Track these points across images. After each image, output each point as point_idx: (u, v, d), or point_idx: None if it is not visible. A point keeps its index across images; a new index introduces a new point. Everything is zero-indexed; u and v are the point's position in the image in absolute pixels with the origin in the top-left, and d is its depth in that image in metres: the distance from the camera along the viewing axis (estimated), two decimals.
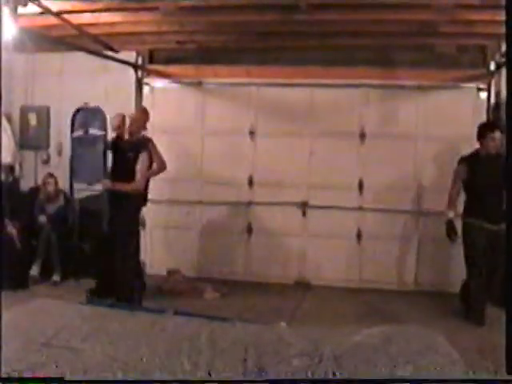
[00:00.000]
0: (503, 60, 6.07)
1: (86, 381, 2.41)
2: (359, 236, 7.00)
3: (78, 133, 7.61)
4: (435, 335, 3.09)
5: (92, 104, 7.42)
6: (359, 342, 2.94)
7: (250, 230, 7.35)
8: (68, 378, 2.39)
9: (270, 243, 7.27)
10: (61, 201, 7.22)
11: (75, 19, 6.04)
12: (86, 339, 2.92)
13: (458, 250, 6.78)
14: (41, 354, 2.70)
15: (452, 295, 6.52)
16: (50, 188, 7.14)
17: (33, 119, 7.73)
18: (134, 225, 5.93)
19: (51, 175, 7.23)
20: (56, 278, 6.93)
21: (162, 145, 7.36)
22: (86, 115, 7.58)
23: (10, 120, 7.50)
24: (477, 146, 5.82)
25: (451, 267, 6.80)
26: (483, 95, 6.79)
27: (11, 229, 6.60)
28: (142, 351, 2.79)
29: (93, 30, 6.38)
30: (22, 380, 2.38)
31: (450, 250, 6.80)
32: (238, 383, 2.50)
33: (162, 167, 6.33)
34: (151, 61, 7.52)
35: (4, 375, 2.43)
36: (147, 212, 7.44)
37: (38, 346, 2.78)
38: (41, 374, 2.46)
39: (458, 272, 6.81)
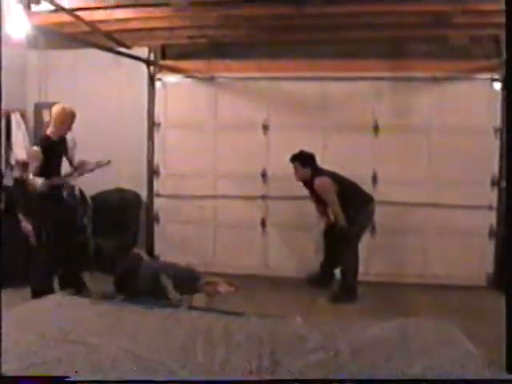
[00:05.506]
0: None
1: (88, 381, 2.42)
2: (373, 229, 6.95)
3: None
4: (451, 328, 3.08)
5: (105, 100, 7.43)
6: (375, 336, 2.93)
7: (263, 224, 7.35)
8: (74, 376, 2.40)
9: (284, 237, 7.26)
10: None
11: (88, 16, 6.06)
12: (102, 334, 2.94)
13: (471, 244, 6.79)
14: (57, 349, 2.72)
15: (461, 288, 6.51)
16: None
17: (47, 116, 7.76)
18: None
19: None
20: None
21: (174, 140, 7.41)
22: None
23: (24, 117, 7.54)
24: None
25: (463, 260, 6.75)
26: (497, 86, 6.73)
27: (26, 225, 6.62)
28: (158, 345, 2.81)
29: (105, 27, 6.38)
30: (23, 379, 2.39)
31: (463, 243, 6.77)
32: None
33: None
34: (163, 56, 7.53)
35: (18, 369, 2.44)
36: (161, 207, 7.49)
37: (54, 342, 2.80)
38: (55, 372, 2.47)
39: (470, 265, 6.80)
